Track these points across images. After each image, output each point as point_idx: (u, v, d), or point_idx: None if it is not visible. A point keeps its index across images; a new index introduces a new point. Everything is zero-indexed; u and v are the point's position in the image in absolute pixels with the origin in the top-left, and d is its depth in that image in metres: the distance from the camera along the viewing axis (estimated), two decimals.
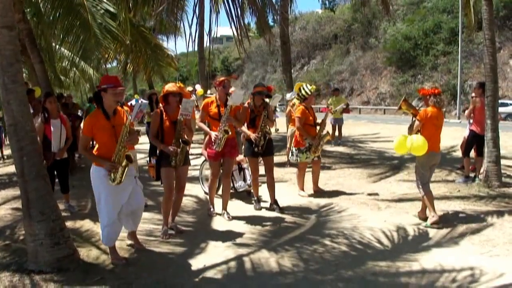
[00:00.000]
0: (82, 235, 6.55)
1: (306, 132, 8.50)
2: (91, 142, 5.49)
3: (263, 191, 8.27)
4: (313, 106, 8.95)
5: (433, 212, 6.78)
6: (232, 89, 7.97)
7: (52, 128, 7.54)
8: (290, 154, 9.12)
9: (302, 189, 8.93)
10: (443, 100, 7.11)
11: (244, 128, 7.72)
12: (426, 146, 6.58)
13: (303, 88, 8.64)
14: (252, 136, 7.60)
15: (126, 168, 5.08)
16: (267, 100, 7.74)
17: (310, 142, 8.51)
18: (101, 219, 5.35)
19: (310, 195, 8.80)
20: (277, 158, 10.33)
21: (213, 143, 6.99)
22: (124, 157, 5.06)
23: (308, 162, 8.79)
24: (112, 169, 5.07)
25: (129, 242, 6.03)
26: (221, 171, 7.48)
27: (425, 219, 6.98)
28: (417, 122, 6.82)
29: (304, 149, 8.60)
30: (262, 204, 7.97)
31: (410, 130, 6.93)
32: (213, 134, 6.98)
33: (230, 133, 6.89)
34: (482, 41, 9.46)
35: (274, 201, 7.83)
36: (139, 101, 5.93)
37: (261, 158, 7.94)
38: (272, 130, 8.38)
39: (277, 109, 10.74)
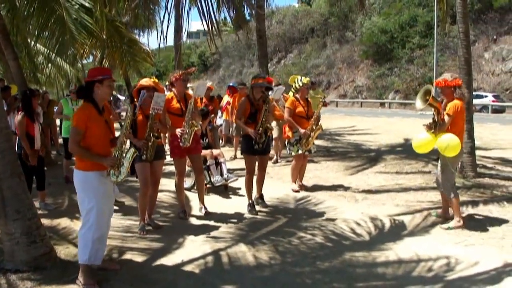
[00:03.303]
0: (59, 233, 6.48)
1: (294, 124, 8.33)
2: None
3: (240, 183, 8.29)
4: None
5: (459, 217, 6.32)
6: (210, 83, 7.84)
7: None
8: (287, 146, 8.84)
9: (295, 183, 8.84)
10: (466, 91, 6.51)
11: (242, 123, 7.29)
12: (460, 145, 6.12)
13: (297, 81, 8.63)
14: (251, 132, 7.08)
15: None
16: (270, 93, 7.52)
17: (300, 135, 8.31)
18: (90, 232, 4.66)
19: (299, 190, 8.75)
20: None
21: (179, 140, 6.61)
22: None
23: (300, 154, 8.53)
24: (114, 165, 4.72)
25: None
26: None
27: (445, 218, 6.65)
28: (447, 118, 6.18)
29: (294, 142, 8.43)
30: (238, 198, 7.94)
31: (441, 127, 6.23)
32: (178, 130, 6.61)
33: (198, 126, 6.70)
34: (457, 34, 9.56)
35: (260, 196, 7.73)
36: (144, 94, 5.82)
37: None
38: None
39: (280, 102, 10.44)
